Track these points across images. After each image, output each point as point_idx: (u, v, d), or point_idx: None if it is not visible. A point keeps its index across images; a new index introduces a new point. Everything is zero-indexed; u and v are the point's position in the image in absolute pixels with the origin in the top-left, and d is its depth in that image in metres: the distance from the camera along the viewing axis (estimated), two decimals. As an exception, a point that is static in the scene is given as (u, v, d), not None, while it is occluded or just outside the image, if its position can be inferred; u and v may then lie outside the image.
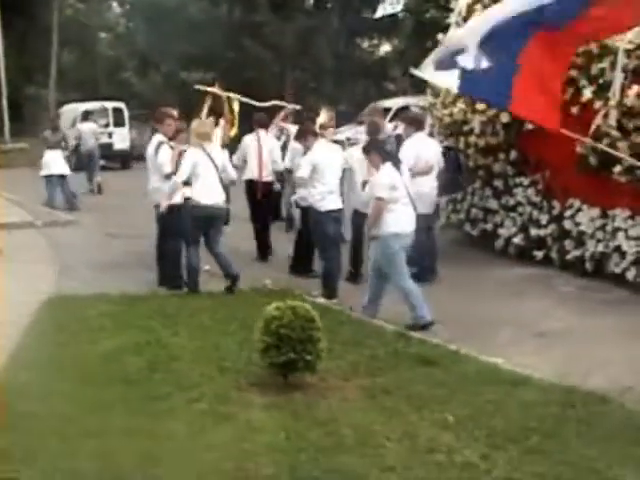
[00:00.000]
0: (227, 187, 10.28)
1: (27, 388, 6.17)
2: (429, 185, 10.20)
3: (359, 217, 10.04)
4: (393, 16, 25.41)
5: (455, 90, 8.34)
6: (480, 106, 11.24)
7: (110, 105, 25.99)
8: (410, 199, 8.47)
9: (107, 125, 25.74)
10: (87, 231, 14.48)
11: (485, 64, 7.06)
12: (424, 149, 10.27)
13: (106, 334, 7.71)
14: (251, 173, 12.02)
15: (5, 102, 24.02)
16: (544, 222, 10.88)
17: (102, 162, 25.59)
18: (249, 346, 7.27)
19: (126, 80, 30.93)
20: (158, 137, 10.11)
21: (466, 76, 7.18)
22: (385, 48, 27.86)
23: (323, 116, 10.75)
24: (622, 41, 9.01)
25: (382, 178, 8.41)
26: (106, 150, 23.99)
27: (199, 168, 9.45)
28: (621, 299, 9.27)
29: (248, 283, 9.69)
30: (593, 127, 9.51)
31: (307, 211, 10.02)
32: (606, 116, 9.51)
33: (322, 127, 10.32)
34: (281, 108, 13.97)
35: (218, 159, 9.65)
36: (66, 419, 5.55)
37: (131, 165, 26.34)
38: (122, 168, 26.28)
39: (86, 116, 23.18)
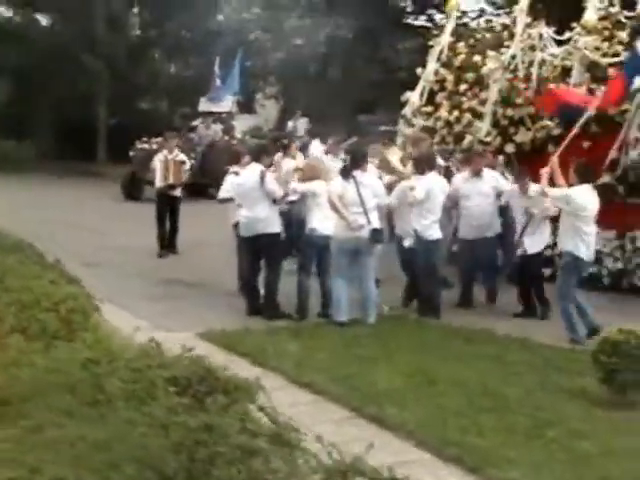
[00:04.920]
0: None
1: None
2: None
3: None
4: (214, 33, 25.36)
5: None
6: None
7: None
8: (364, 212, 9.46)
9: None
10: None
11: None
12: None
13: (355, 369, 7.79)
14: None
15: None
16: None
17: None
18: (514, 369, 7.95)
19: None
20: (258, 166, 10.09)
21: None
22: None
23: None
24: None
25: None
26: None
27: (320, 199, 9.84)
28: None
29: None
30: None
31: None
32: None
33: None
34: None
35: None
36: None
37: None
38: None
39: None
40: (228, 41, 23.55)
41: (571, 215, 9.14)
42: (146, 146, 20.85)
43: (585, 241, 9.11)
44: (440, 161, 11.28)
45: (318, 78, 25.90)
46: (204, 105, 23.77)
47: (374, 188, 9.78)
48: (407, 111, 13.81)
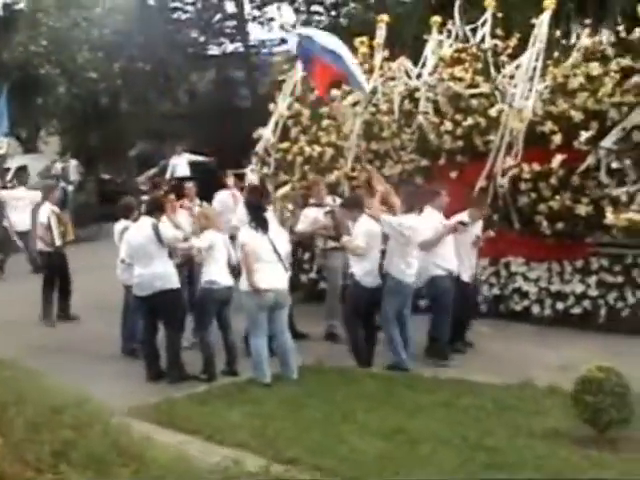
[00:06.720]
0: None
1: None
2: None
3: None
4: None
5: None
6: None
7: None
8: (280, 260, 8.89)
9: None
10: None
11: None
12: None
13: (322, 434, 7.22)
14: None
15: None
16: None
17: None
18: (474, 415, 7.75)
19: None
20: (148, 219, 9.30)
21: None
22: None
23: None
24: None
25: None
26: None
27: (216, 251, 9.34)
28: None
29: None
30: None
31: None
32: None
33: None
34: None
35: (227, 243, 9.59)
36: None
37: None
38: None
39: None
40: (14, 76, 21.82)
41: (400, 241, 9.29)
42: None
43: (410, 265, 9.36)
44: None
45: (107, 112, 24.74)
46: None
47: (281, 233, 9.29)
48: (260, 148, 13.33)
